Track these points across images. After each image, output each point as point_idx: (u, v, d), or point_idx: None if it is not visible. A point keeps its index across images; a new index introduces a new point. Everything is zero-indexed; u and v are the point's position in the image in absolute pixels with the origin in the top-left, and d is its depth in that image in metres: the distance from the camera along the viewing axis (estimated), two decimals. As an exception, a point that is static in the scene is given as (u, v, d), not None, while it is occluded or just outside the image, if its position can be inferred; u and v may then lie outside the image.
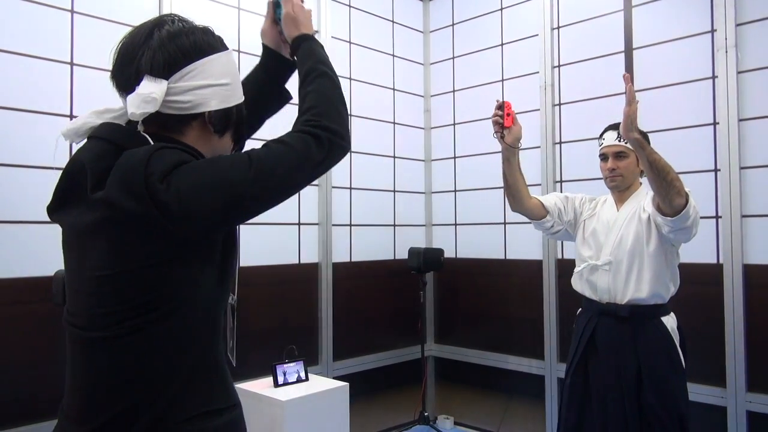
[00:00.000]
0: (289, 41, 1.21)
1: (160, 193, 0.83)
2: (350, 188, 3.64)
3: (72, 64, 2.49)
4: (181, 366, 0.93)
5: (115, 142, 0.92)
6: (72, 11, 2.51)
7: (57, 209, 0.97)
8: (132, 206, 0.83)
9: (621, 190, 2.25)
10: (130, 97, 0.92)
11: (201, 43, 0.98)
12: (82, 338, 0.93)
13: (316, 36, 1.21)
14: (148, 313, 0.89)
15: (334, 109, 1.05)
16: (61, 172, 0.97)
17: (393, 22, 3.99)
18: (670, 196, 1.89)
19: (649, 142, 2.23)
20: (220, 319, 1.00)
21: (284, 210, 3.27)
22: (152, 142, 0.91)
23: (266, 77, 1.27)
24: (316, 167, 0.99)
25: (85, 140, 0.98)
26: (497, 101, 2.12)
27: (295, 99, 1.18)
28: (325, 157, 1.00)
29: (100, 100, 2.43)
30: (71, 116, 2.48)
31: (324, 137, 0.99)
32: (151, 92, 0.91)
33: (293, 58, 1.21)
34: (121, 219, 0.86)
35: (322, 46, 1.19)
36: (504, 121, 2.06)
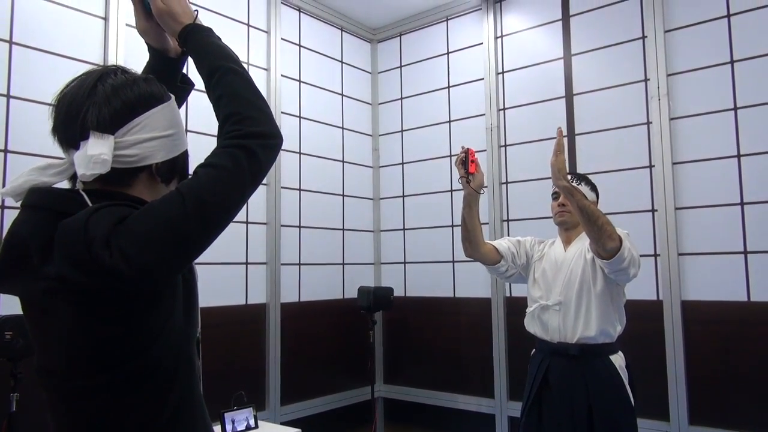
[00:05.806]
0: (174, 36, 1.11)
1: (106, 260, 0.80)
2: (299, 226, 3.59)
3: (9, 96, 2.37)
4: (164, 407, 0.92)
5: (52, 208, 0.89)
6: (10, 42, 2.40)
7: (2, 282, 0.93)
8: (86, 280, 0.83)
9: (568, 227, 2.32)
10: (78, 157, 0.91)
11: (145, 94, 0.98)
12: (62, 389, 0.92)
13: (198, 16, 1.10)
14: (126, 362, 0.89)
15: (254, 109, 0.98)
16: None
17: (342, 62, 4.04)
18: (602, 240, 1.99)
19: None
20: (194, 354, 0.99)
21: (231, 249, 3.18)
22: (89, 203, 0.89)
23: (161, 79, 1.10)
24: (254, 178, 0.94)
25: (20, 209, 0.93)
26: (462, 147, 2.22)
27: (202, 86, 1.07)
28: (260, 165, 0.95)
29: (38, 135, 2.35)
30: (6, 151, 2.34)
31: (253, 145, 0.94)
32: (101, 153, 0.89)
33: (183, 48, 1.12)
34: (79, 290, 0.85)
35: (210, 32, 1.08)
36: (469, 166, 2.17)
